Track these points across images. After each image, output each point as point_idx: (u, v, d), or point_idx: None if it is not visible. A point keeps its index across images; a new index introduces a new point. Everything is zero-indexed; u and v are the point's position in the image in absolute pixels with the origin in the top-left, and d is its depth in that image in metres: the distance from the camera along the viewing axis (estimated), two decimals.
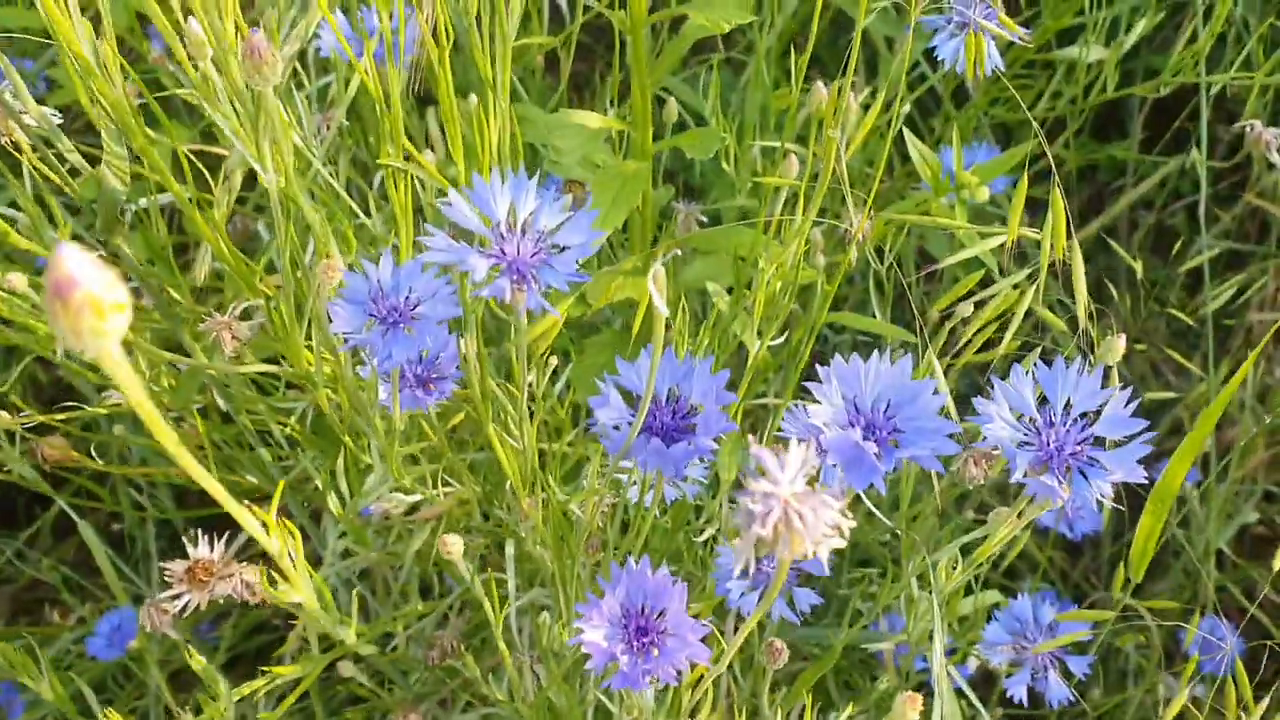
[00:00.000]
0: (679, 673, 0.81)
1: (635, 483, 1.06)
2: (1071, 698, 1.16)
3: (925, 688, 1.56)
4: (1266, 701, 0.99)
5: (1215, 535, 1.70)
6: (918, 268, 1.56)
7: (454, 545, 0.89)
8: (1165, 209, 2.18)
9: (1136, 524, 1.01)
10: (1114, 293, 1.55)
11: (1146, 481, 0.73)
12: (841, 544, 0.56)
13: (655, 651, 0.82)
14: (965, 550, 1.02)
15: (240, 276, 0.98)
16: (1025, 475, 0.74)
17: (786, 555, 0.54)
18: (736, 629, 1.23)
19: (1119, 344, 1.03)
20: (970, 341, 1.01)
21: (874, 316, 1.33)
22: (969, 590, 1.28)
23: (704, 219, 1.49)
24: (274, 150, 0.83)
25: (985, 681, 1.55)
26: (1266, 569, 1.90)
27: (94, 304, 0.38)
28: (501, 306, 0.94)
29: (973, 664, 1.31)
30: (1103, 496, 0.73)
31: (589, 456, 1.27)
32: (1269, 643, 1.51)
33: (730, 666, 1.32)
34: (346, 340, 0.85)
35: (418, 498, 1.15)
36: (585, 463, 1.30)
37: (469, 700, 1.39)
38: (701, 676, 0.86)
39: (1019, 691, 1.16)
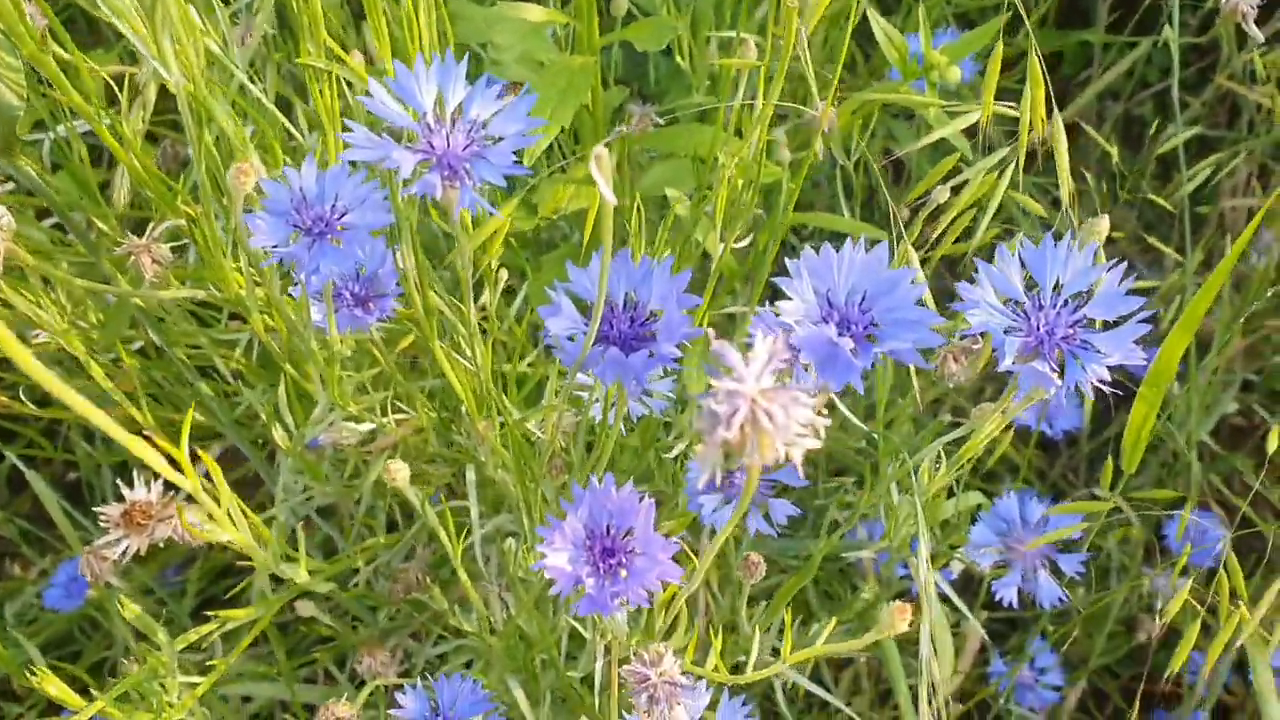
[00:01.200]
0: (650, 593, 0.76)
1: (598, 399, 1.00)
2: (1064, 597, 1.12)
3: (908, 595, 1.53)
4: (1274, 596, 0.95)
5: (1197, 426, 1.66)
6: (887, 166, 1.49)
7: (399, 472, 0.83)
8: (1133, 98, 2.12)
9: (1113, 420, 0.97)
10: (1089, 180, 1.49)
11: (1144, 364, 0.67)
12: (816, 445, 0.50)
13: (623, 573, 0.77)
14: (948, 452, 0.97)
15: (159, 196, 0.90)
16: (1015, 362, 0.68)
17: (756, 459, 0.48)
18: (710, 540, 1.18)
19: (1103, 225, 0.97)
20: (946, 232, 0.94)
21: (845, 216, 1.26)
22: (950, 494, 1.23)
23: (660, 121, 1.41)
24: (179, 51, 0.75)
25: (967, 587, 1.52)
26: (1246, 459, 1.87)
27: None
28: (441, 213, 0.86)
29: (955, 568, 1.27)
30: (1099, 381, 0.67)
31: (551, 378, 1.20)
32: (1248, 531, 1.48)
33: (708, 583, 1.27)
34: (270, 255, 0.78)
35: (370, 426, 1.09)
36: (547, 384, 1.24)
37: (441, 633, 1.34)
38: (674, 596, 0.81)
39: (1009, 594, 1.12)
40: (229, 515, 0.74)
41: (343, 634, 1.24)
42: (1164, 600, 1.66)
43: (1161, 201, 1.39)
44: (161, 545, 0.93)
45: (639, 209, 0.93)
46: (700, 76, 1.32)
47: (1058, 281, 0.70)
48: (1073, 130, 1.97)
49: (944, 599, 1.27)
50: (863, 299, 0.72)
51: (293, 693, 1.17)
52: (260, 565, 0.84)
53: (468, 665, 1.26)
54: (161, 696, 0.84)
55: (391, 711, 0.90)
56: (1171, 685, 1.69)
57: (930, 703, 0.88)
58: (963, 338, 0.80)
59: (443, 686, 0.92)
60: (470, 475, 1.13)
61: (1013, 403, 0.76)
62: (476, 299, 1.06)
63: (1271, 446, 1.12)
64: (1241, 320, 1.84)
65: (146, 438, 0.52)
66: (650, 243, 1.33)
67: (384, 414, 1.08)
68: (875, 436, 1.04)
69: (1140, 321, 0.68)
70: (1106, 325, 0.70)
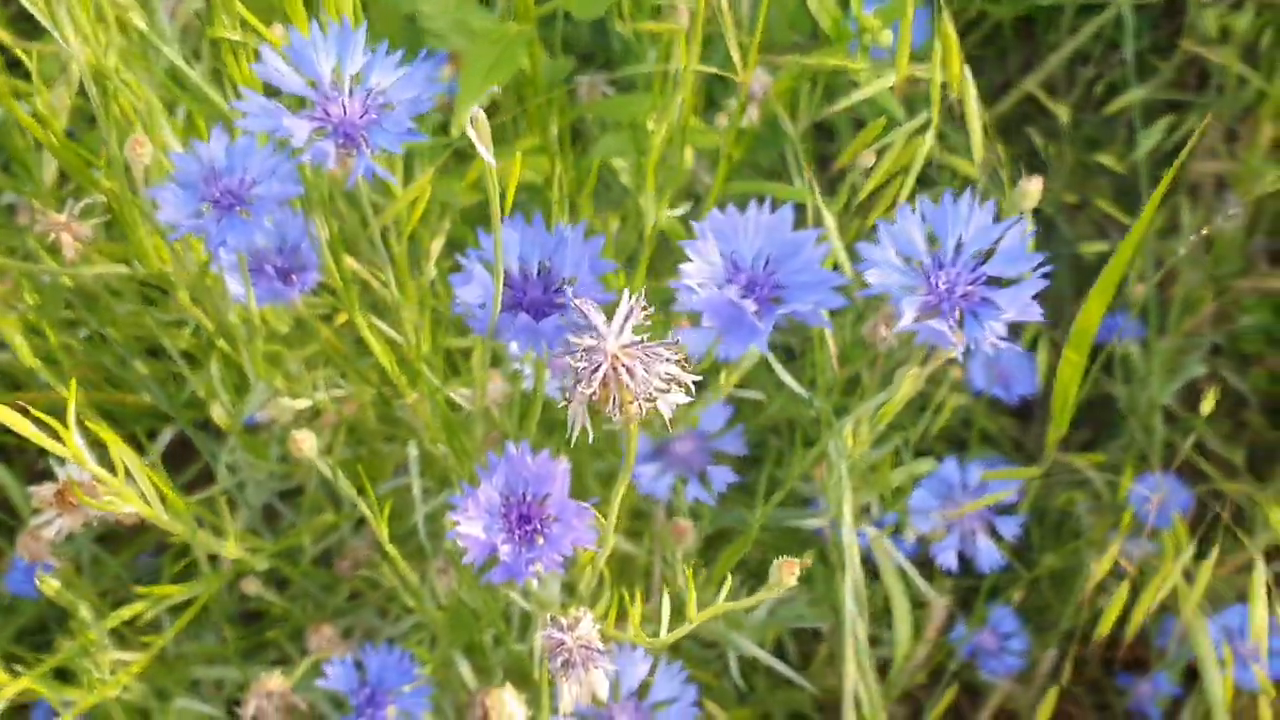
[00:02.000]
0: (565, 559, 0.76)
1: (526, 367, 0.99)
2: (1003, 562, 1.12)
3: (868, 564, 1.53)
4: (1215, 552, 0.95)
5: (1160, 390, 1.66)
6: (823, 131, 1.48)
7: (306, 441, 0.83)
8: (1104, 61, 2.10)
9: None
10: (1038, 144, 1.48)
11: (1043, 319, 0.67)
12: (684, 399, 0.50)
13: (540, 539, 0.77)
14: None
15: (75, 170, 0.89)
16: (914, 321, 0.68)
17: (618, 414, 0.48)
18: (670, 516, 1.18)
19: (1034, 186, 0.96)
20: (876, 196, 0.94)
21: (793, 185, 1.25)
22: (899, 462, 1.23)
23: (610, 91, 1.40)
24: (78, 21, 0.74)
25: (930, 562, 1.52)
26: (1216, 424, 1.87)
27: None
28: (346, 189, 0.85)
29: (911, 536, 1.27)
30: (996, 338, 0.67)
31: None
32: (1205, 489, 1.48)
33: (659, 551, 1.27)
34: (177, 229, 0.77)
35: (306, 403, 1.09)
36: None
37: (402, 611, 1.34)
38: (593, 561, 0.81)
39: (948, 558, 1.12)
40: (152, 499, 0.74)
41: (296, 614, 1.24)
42: (1133, 564, 1.66)
43: (1111, 164, 1.39)
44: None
45: (560, 178, 0.93)
46: (646, 45, 1.31)
47: (960, 239, 0.70)
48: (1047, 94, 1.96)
49: (901, 571, 1.27)
50: (768, 262, 0.71)
51: (243, 673, 1.18)
52: (183, 538, 0.84)
53: (422, 644, 1.26)
54: (91, 673, 0.84)
55: (317, 682, 0.90)
56: (1144, 650, 1.69)
57: (857, 663, 0.88)
58: (865, 299, 0.79)
59: (371, 657, 0.92)
60: (413, 452, 1.13)
61: (926, 362, 0.76)
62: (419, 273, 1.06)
63: (1206, 408, 1.11)
64: (1210, 285, 1.84)
65: (22, 409, 0.52)
66: (596, 214, 1.33)
67: (323, 390, 1.07)
68: (815, 402, 1.04)
69: (1041, 277, 0.68)
70: (1009, 283, 0.70)
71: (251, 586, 1.15)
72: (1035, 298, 0.67)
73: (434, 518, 1.21)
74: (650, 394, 0.48)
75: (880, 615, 1.44)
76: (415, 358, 0.92)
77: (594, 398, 0.48)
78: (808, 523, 1.16)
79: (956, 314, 0.68)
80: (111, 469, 0.80)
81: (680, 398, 0.49)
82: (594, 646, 0.76)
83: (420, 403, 0.97)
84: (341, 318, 1.12)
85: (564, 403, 0.49)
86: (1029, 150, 1.81)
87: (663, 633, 0.73)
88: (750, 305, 0.68)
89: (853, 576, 0.87)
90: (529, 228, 0.78)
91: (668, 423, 0.50)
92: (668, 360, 0.48)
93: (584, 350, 0.48)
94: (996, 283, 0.70)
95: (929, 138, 0.87)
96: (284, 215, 0.94)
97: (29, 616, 1.69)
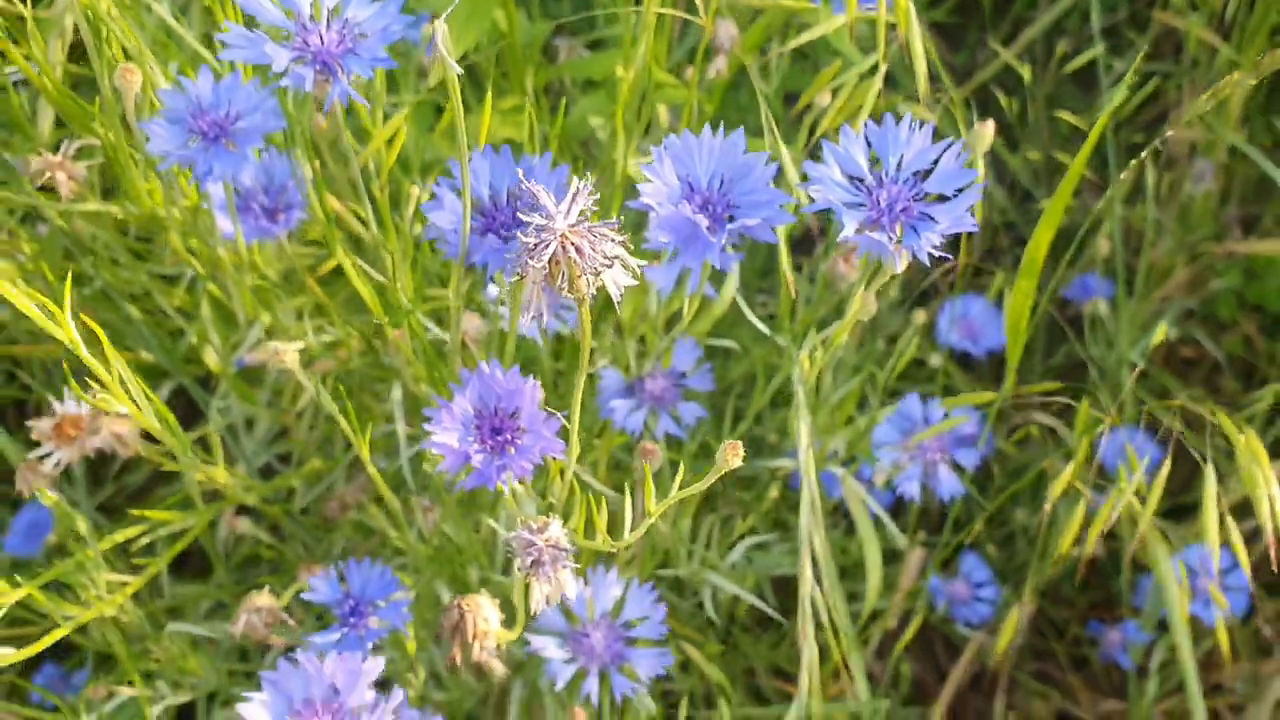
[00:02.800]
0: (535, 467, 0.80)
1: (505, 305, 1.04)
2: (963, 490, 1.17)
3: (843, 515, 1.57)
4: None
5: (1127, 348, 1.71)
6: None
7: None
8: (1079, 35, 2.14)
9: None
10: (1001, 100, 1.53)
11: (976, 230, 0.72)
12: (629, 280, 0.54)
13: (510, 450, 0.81)
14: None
15: (71, 116, 0.94)
16: (855, 234, 0.72)
17: (567, 288, 0.52)
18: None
19: (988, 129, 1.01)
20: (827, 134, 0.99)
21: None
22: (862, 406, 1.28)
23: (587, 54, 1.44)
24: None
25: (903, 510, 1.56)
26: (1189, 387, 1.91)
27: None
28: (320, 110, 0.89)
29: (879, 479, 1.31)
30: (931, 248, 0.71)
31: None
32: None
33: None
34: (167, 158, 0.82)
35: (297, 346, 1.13)
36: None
37: (389, 555, 1.39)
38: (562, 471, 0.85)
39: (910, 488, 1.17)
40: (144, 406, 0.79)
41: (288, 556, 1.29)
42: (1100, 519, 1.71)
43: (1073, 119, 1.43)
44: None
45: (537, 133, 0.97)
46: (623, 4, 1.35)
47: (900, 159, 0.75)
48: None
49: (877, 521, 1.31)
50: (722, 183, 0.76)
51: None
52: (176, 465, 0.89)
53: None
54: (89, 590, 0.89)
55: (304, 595, 0.95)
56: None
57: (812, 606, 0.93)
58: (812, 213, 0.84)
59: (353, 571, 0.96)
60: (397, 394, 1.18)
61: (871, 279, 0.81)
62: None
63: (1158, 338, 1.16)
64: (1184, 251, 1.88)
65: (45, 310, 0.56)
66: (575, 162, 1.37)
67: (313, 334, 1.12)
68: (781, 342, 1.09)
69: (977, 190, 0.73)
70: (944, 200, 0.74)
71: (243, 525, 1.20)
72: (969, 212, 0.72)
73: (419, 460, 1.25)
74: (596, 268, 0.52)
75: (855, 569, 1.49)
76: (395, 294, 0.96)
77: (545, 276, 0.53)
78: (780, 463, 1.20)
79: (896, 228, 0.73)
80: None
81: (623, 277, 0.54)
82: (562, 547, 0.80)
83: (402, 340, 1.02)
84: (328, 265, 1.16)
85: (516, 283, 0.53)
86: (1003, 123, 1.85)
87: (626, 534, 0.78)
88: (704, 220, 0.73)
89: (809, 494, 0.91)
90: (498, 157, 0.83)
91: (615, 303, 0.54)
92: (612, 240, 0.53)
93: (534, 228, 0.52)
94: (936, 201, 0.75)
95: (878, 78, 0.91)
96: (270, 157, 0.98)
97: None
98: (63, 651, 1.73)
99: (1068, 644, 1.78)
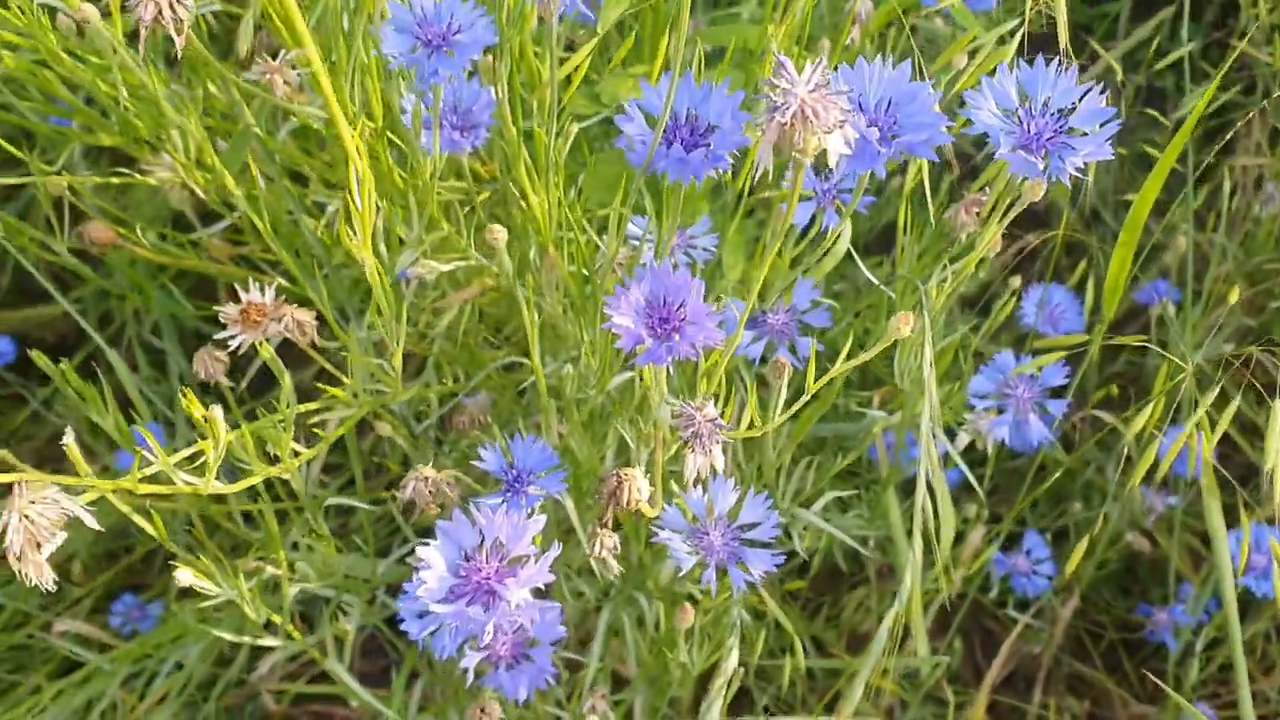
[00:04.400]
0: (697, 350, 0.91)
1: (649, 239, 1.15)
2: (1050, 438, 1.27)
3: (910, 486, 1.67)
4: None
5: (1190, 350, 1.80)
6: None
7: (499, 233, 0.98)
8: (1152, 68, 2.24)
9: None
10: None
11: (1114, 158, 0.82)
12: (846, 149, 0.65)
13: (676, 336, 0.92)
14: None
15: (286, 27, 1.05)
16: (1009, 153, 0.83)
17: (802, 144, 0.63)
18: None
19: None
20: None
21: None
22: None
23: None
24: None
25: (967, 493, 1.65)
26: (1244, 394, 2.00)
27: None
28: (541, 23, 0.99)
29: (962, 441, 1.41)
30: (1076, 170, 0.82)
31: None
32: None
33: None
34: (396, 59, 0.94)
35: (451, 266, 1.24)
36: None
37: None
38: (715, 363, 0.96)
39: (1002, 433, 1.27)
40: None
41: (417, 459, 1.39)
42: (1155, 516, 1.79)
43: (1158, 115, 1.53)
44: None
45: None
46: None
47: (1047, 98, 0.85)
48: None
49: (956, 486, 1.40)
50: (888, 105, 0.87)
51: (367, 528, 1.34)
52: (353, 355, 1.00)
53: None
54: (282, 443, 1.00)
55: (473, 463, 1.06)
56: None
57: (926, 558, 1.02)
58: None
59: (517, 445, 1.07)
60: (534, 318, 1.29)
61: (1009, 203, 0.91)
62: None
63: (1233, 298, 1.26)
64: (1244, 275, 1.97)
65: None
66: None
67: (465, 257, 1.22)
68: (889, 291, 1.19)
69: (1117, 123, 0.83)
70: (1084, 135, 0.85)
71: (385, 429, 1.31)
72: (1108, 143, 0.83)
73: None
74: (829, 127, 0.63)
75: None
76: (558, 216, 1.08)
77: (780, 135, 0.63)
78: (875, 414, 1.31)
79: (1042, 153, 0.84)
80: None
81: (842, 145, 0.65)
82: (718, 422, 0.91)
83: (556, 258, 1.13)
84: (483, 196, 1.28)
85: (759, 134, 0.64)
86: None
87: (757, 422, 0.88)
88: (874, 133, 0.84)
89: (930, 408, 1.01)
90: (681, 80, 0.94)
91: (833, 164, 0.65)
92: (841, 107, 0.63)
93: (780, 91, 0.63)
94: (1077, 135, 0.85)
95: (1014, 44, 1.02)
96: (458, 84, 1.10)
97: (110, 519, 1.84)
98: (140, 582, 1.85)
99: (1102, 651, 1.87)
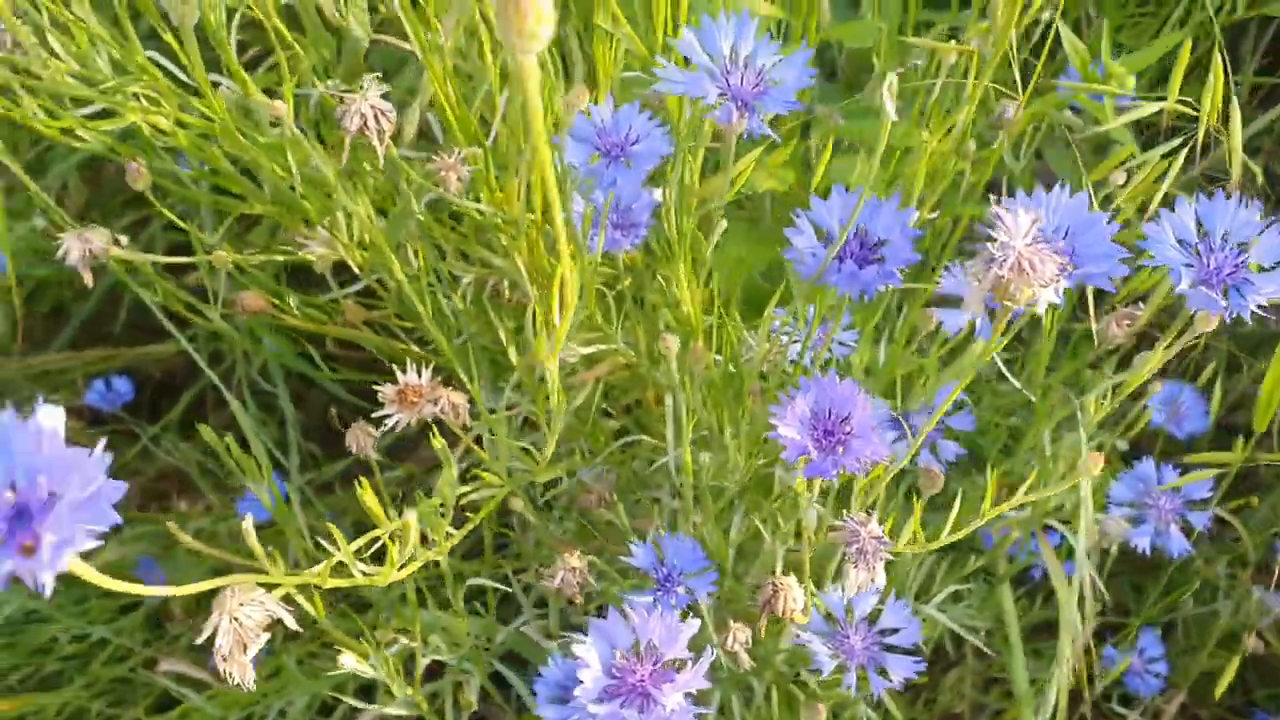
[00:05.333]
0: (863, 465, 0.92)
1: (795, 340, 1.16)
2: (1190, 549, 1.26)
3: (1027, 580, 1.66)
4: None
5: None
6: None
7: (671, 342, 1.00)
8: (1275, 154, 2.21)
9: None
10: None
11: None
12: (1057, 299, 0.66)
13: (841, 450, 0.93)
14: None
15: (460, 125, 1.09)
16: (1189, 288, 0.83)
17: (1017, 294, 0.64)
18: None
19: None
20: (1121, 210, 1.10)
21: None
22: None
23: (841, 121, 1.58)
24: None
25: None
26: None
27: (537, 9, 0.50)
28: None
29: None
30: (1257, 307, 0.82)
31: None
32: None
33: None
34: (577, 170, 0.97)
35: (592, 350, 1.27)
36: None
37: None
38: (876, 478, 0.97)
39: (1143, 542, 1.26)
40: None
41: (540, 533, 1.41)
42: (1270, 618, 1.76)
43: None
44: None
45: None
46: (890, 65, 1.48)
47: (1226, 231, 0.86)
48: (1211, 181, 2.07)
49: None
50: (1067, 233, 0.88)
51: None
52: (498, 438, 1.03)
53: None
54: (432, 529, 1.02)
55: (622, 558, 1.08)
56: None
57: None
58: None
59: (667, 543, 1.09)
60: (670, 401, 1.31)
61: (1184, 331, 0.91)
62: None
63: None
64: None
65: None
66: None
67: (608, 341, 1.25)
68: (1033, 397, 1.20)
69: None
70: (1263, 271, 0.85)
71: (516, 504, 1.33)
72: None
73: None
74: (1045, 281, 0.64)
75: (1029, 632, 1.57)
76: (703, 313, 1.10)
77: (995, 284, 0.65)
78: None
79: (1222, 288, 0.84)
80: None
81: (1054, 296, 0.66)
82: (883, 540, 0.92)
83: (705, 351, 1.15)
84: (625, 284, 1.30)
85: (974, 283, 0.66)
86: None
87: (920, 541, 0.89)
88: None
89: (1084, 529, 1.01)
90: (849, 195, 0.96)
91: (1040, 314, 0.66)
92: (1055, 262, 0.65)
93: (1000, 244, 0.64)
94: (1257, 271, 0.86)
95: (1180, 159, 1.03)
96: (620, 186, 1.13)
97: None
98: None
99: None
